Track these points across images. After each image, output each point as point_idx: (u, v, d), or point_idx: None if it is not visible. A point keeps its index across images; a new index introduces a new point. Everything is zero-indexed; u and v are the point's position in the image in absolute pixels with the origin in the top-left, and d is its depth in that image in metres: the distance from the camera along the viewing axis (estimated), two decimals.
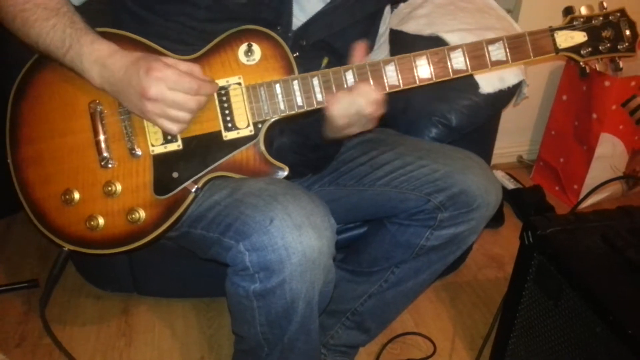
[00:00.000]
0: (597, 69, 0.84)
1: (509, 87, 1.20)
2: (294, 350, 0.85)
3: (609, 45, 0.82)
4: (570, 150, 1.79)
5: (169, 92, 0.74)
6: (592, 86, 1.65)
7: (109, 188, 0.82)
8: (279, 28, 0.85)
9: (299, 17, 0.88)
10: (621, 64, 0.85)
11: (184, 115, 0.77)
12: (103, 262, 1.27)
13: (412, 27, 1.26)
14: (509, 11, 1.59)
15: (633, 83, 1.61)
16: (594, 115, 1.67)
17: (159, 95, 0.74)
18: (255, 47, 0.82)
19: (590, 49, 0.82)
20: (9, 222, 1.64)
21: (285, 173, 0.84)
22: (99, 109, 0.83)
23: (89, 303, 1.36)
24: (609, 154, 1.71)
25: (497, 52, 0.81)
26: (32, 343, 1.24)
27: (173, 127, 0.78)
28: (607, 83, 1.60)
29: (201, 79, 0.78)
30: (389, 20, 1.04)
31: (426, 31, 1.23)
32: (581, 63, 0.84)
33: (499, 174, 1.87)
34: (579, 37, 0.82)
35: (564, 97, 1.79)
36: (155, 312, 1.34)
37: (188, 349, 1.25)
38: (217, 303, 1.36)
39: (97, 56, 0.77)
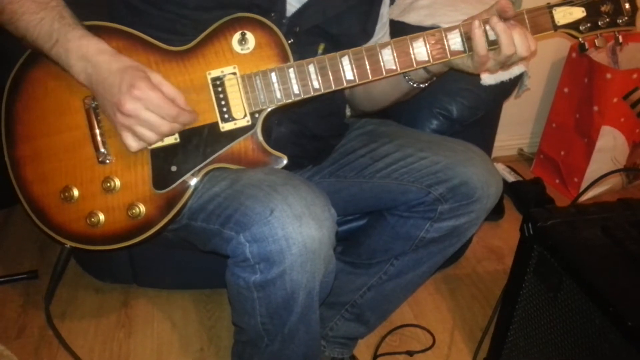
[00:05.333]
0: (597, 44, 0.82)
1: (510, 79, 1.19)
2: (294, 340, 0.85)
3: (608, 20, 0.80)
4: (571, 143, 1.79)
5: (145, 111, 0.74)
6: (594, 79, 1.65)
7: (108, 184, 0.82)
8: (272, 15, 0.85)
9: (293, 3, 0.87)
10: (621, 39, 0.83)
11: (150, 135, 0.77)
12: (103, 254, 1.27)
13: (413, 18, 1.26)
14: (511, 2, 1.57)
15: (635, 75, 1.60)
16: (595, 108, 1.66)
17: (133, 113, 0.74)
18: (249, 36, 0.81)
19: (589, 24, 0.81)
20: (7, 213, 1.63)
21: (284, 162, 0.83)
22: (93, 105, 0.82)
23: (88, 295, 1.36)
24: (609, 147, 1.70)
25: (493, 31, 0.79)
26: (32, 335, 1.25)
27: (133, 144, 0.78)
28: (608, 75, 1.60)
29: (182, 107, 0.77)
30: (387, 13, 1.02)
31: (427, 22, 1.22)
32: (580, 39, 0.82)
33: (500, 167, 1.87)
34: (578, 12, 0.80)
35: (566, 90, 1.78)
36: (154, 303, 1.34)
37: (188, 341, 1.25)
38: (216, 295, 1.36)
39: (84, 52, 0.76)
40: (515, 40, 0.78)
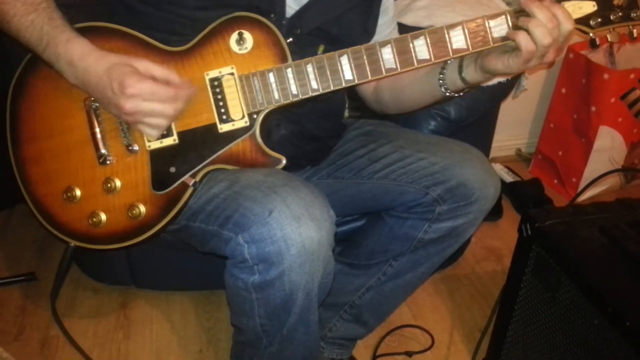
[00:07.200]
0: (609, 39, 0.77)
1: (508, 80, 1.20)
2: (293, 341, 0.85)
3: (620, 14, 0.76)
4: (569, 143, 1.79)
5: (145, 103, 0.75)
6: (591, 79, 1.65)
7: (109, 184, 0.83)
8: (272, 16, 0.84)
9: (292, 5, 0.87)
10: (635, 33, 0.78)
11: (160, 121, 0.78)
12: (101, 255, 1.27)
13: (410, 18, 1.26)
14: (508, 4, 1.58)
15: (632, 75, 1.60)
16: (593, 108, 1.66)
17: (135, 109, 0.75)
18: (247, 35, 0.81)
19: (600, 19, 0.76)
20: (6, 215, 1.63)
21: (283, 163, 0.83)
22: (94, 106, 0.82)
23: (87, 297, 1.36)
24: (607, 147, 1.71)
25: (499, 28, 0.77)
26: (31, 336, 1.24)
27: (152, 132, 0.80)
28: (606, 76, 1.60)
29: (177, 84, 0.78)
30: (393, 8, 1.01)
31: (425, 23, 1.23)
32: (591, 34, 0.78)
33: (498, 167, 1.87)
34: (588, 7, 0.76)
35: (563, 90, 1.78)
36: (153, 305, 1.34)
37: (186, 342, 1.25)
38: (215, 296, 1.36)
39: (70, 57, 0.76)
40: (557, 12, 0.73)
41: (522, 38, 0.73)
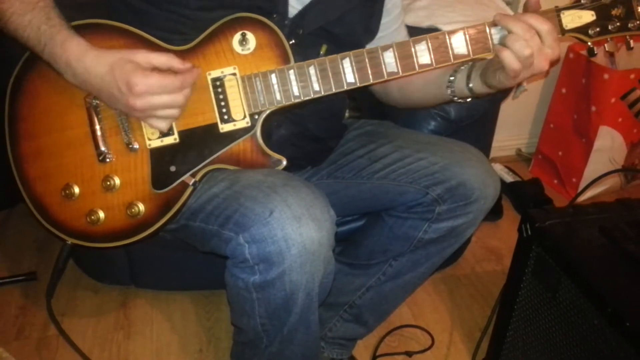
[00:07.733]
0: (607, 49, 0.81)
1: None
2: (293, 341, 0.85)
3: (618, 24, 0.77)
4: (569, 144, 1.79)
5: (155, 97, 0.76)
6: (592, 79, 1.65)
7: (108, 182, 0.82)
8: (274, 16, 0.84)
9: (294, 5, 0.87)
10: (632, 43, 0.79)
11: (171, 112, 0.79)
12: (101, 255, 1.27)
13: (410, 18, 1.26)
14: (508, 4, 1.58)
15: (632, 76, 1.60)
16: (593, 108, 1.66)
17: (147, 105, 0.76)
18: (250, 36, 0.81)
19: (598, 28, 0.78)
20: (6, 215, 1.63)
21: (284, 164, 0.83)
22: (94, 103, 0.82)
23: (87, 296, 1.36)
24: (607, 147, 1.71)
25: (499, 35, 0.78)
26: (31, 336, 1.24)
27: (162, 125, 0.80)
28: (606, 76, 1.60)
29: (182, 69, 0.78)
30: (399, 5, 1.01)
31: (425, 23, 1.23)
32: (589, 44, 0.80)
33: (498, 167, 1.87)
34: (587, 16, 0.77)
35: (563, 90, 1.78)
36: (153, 305, 1.34)
37: (187, 342, 1.25)
38: (215, 296, 1.36)
39: (67, 58, 0.76)
40: (530, 21, 0.74)
41: (505, 56, 0.76)
